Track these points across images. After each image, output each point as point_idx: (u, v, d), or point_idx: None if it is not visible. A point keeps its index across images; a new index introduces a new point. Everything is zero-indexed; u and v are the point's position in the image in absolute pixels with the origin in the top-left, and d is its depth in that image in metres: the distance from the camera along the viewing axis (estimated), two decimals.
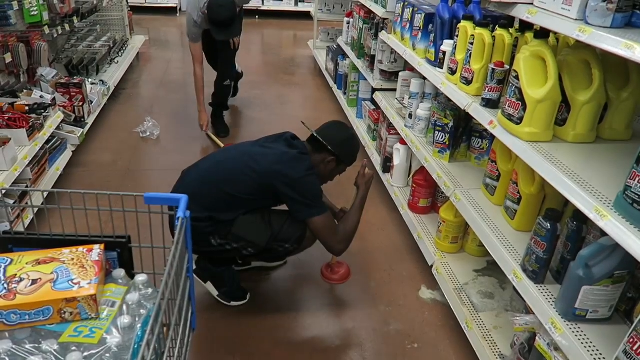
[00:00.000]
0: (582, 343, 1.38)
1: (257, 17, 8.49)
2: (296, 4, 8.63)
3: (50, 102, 3.05)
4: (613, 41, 1.23)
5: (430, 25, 2.47)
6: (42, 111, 2.90)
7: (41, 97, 3.12)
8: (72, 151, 3.32)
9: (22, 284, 1.15)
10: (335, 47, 4.90)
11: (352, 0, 4.70)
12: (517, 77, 1.63)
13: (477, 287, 2.18)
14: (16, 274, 1.18)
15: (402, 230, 2.82)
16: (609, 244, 1.33)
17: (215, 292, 2.21)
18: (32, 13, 3.32)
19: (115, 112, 4.32)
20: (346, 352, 2.04)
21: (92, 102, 3.80)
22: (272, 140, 2.08)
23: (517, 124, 1.65)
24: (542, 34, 1.61)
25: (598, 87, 1.57)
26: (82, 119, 3.58)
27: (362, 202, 2.16)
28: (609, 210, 1.24)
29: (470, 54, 2.01)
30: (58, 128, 3.20)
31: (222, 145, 3.69)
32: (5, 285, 1.15)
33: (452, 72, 2.17)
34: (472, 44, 2.00)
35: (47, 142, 2.95)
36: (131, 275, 1.36)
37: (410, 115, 2.71)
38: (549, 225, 1.51)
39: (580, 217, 1.44)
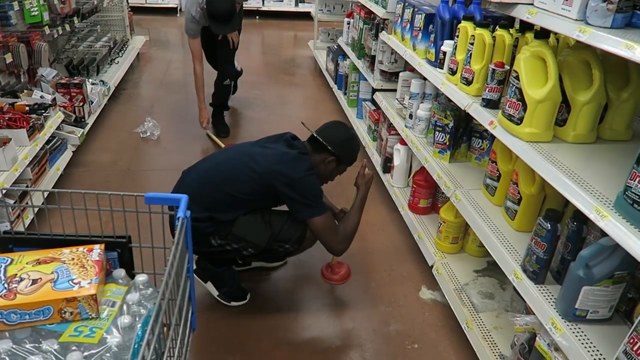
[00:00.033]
0: (582, 343, 1.38)
1: (257, 17, 8.49)
2: (296, 5, 8.63)
3: (50, 103, 3.05)
4: (613, 41, 1.23)
5: (431, 26, 2.47)
6: (43, 111, 2.90)
7: (41, 97, 3.13)
8: (73, 151, 3.32)
9: (22, 284, 1.15)
10: (335, 47, 4.90)
11: (353, 0, 4.70)
12: (517, 78, 1.63)
13: (477, 287, 2.18)
14: (16, 274, 1.18)
15: (402, 230, 2.82)
16: (609, 244, 1.33)
17: (215, 292, 2.21)
18: (33, 13, 3.32)
19: (116, 112, 4.32)
20: (346, 353, 2.04)
21: (92, 103, 3.80)
22: (272, 141, 2.08)
23: (518, 124, 1.65)
24: (543, 34, 1.62)
25: (598, 88, 1.57)
26: (83, 119, 3.58)
27: (362, 202, 2.16)
28: (609, 211, 1.24)
29: (471, 54, 2.01)
30: (58, 128, 3.20)
31: (222, 145, 3.70)
32: (6, 285, 1.15)
33: (453, 72, 2.17)
34: (472, 44, 2.00)
35: (48, 142, 2.96)
36: (131, 275, 1.36)
37: (411, 116, 2.71)
38: (549, 225, 1.51)
39: (580, 218, 1.44)
